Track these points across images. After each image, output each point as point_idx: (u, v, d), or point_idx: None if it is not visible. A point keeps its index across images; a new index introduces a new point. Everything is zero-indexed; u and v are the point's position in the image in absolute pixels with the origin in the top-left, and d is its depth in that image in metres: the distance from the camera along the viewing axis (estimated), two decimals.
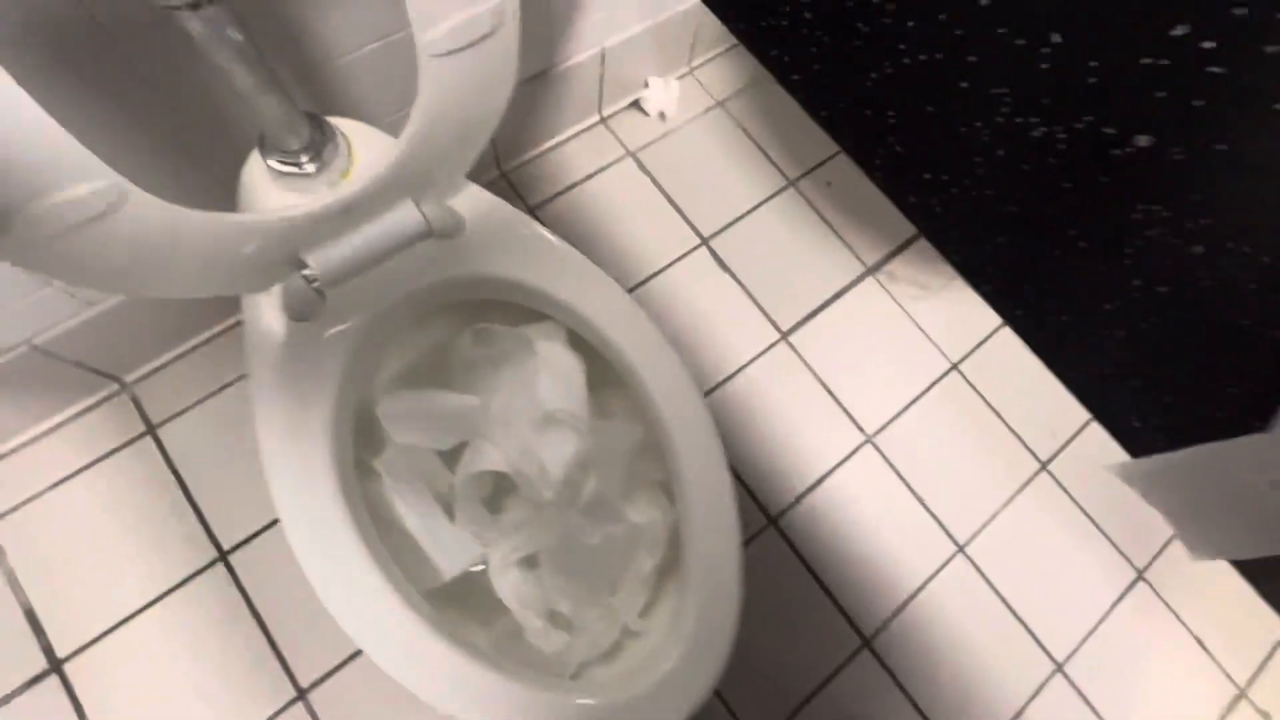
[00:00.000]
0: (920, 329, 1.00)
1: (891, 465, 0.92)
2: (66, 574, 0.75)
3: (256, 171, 0.52)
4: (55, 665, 0.72)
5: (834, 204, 1.06)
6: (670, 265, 0.98)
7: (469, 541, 0.53)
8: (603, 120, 1.04)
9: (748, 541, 0.86)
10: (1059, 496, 0.94)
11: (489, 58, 0.45)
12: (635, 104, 1.06)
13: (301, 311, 0.51)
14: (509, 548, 0.53)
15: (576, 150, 1.02)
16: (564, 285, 0.55)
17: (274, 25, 0.56)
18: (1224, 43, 0.32)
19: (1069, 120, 0.44)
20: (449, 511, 0.55)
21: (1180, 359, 0.47)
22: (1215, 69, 0.33)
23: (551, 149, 1.01)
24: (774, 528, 0.87)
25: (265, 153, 0.51)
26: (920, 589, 0.87)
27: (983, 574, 0.89)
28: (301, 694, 0.74)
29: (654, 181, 1.02)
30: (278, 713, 0.73)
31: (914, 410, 0.96)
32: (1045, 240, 0.51)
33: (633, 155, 1.03)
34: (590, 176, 1.01)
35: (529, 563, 0.54)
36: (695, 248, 0.99)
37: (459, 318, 0.59)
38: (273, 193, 0.51)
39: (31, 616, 0.74)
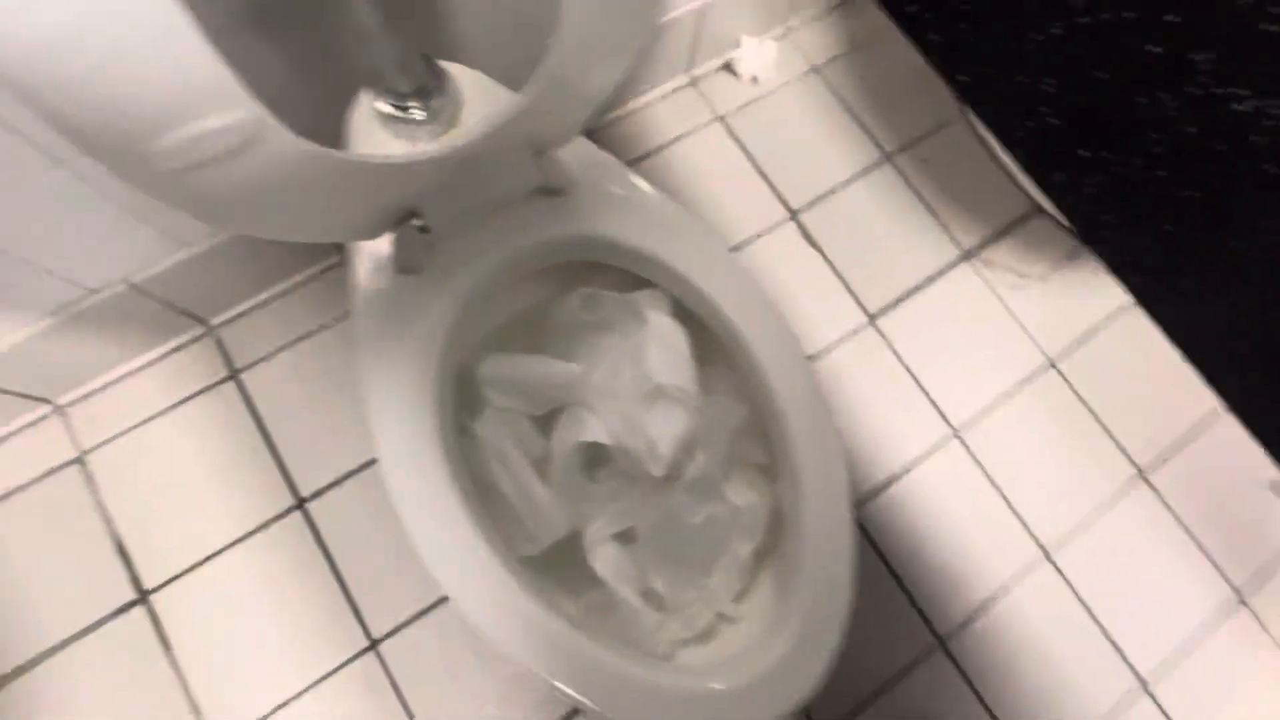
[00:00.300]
0: (1017, 320, 0.94)
1: (978, 462, 0.88)
2: (153, 509, 0.77)
3: (365, 113, 0.50)
4: (142, 596, 0.74)
5: (931, 181, 0.99)
6: (756, 238, 0.94)
7: (565, 511, 0.52)
8: (692, 81, 0.99)
9: None
10: (1158, 508, 0.88)
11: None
12: (727, 65, 1.00)
13: (410, 263, 0.49)
14: (607, 520, 0.51)
15: (663, 112, 0.98)
16: (677, 252, 0.51)
17: None
18: None
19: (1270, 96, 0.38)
20: (545, 478, 0.53)
21: None
22: None
23: (637, 110, 0.97)
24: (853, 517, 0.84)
25: (376, 95, 0.49)
26: (1001, 592, 0.83)
27: (1069, 582, 0.85)
28: (373, 644, 0.75)
29: (743, 149, 0.97)
30: (349, 660, 0.74)
31: (1005, 406, 0.91)
32: (1227, 231, 0.45)
33: (722, 120, 0.98)
34: (676, 140, 0.97)
35: (624, 537, 0.53)
36: (783, 221, 0.95)
37: (559, 281, 0.57)
38: (382, 138, 0.49)
39: (121, 548, 0.76)
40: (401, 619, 0.75)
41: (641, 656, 0.47)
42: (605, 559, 0.50)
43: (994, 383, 0.91)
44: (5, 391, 0.72)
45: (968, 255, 0.96)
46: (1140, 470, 0.90)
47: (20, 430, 0.78)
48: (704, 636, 0.50)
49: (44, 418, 0.79)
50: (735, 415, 0.53)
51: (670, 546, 0.50)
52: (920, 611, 0.82)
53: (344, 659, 0.74)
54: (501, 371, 0.54)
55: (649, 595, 0.51)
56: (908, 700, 0.79)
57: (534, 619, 0.45)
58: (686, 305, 0.53)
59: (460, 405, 0.54)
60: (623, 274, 0.55)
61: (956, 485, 0.87)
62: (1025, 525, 0.86)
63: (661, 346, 0.51)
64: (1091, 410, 0.92)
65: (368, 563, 0.77)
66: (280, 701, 0.72)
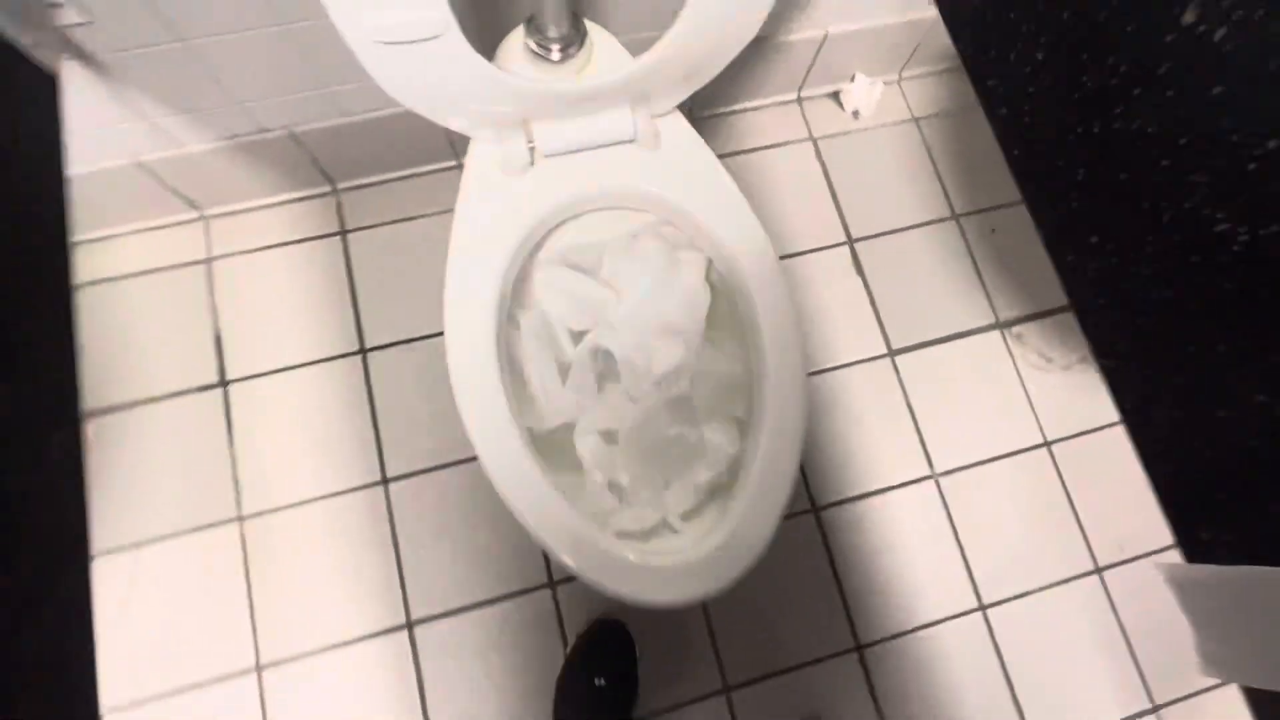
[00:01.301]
0: (1028, 397, 1.00)
1: (946, 507, 0.94)
2: (250, 318, 0.93)
3: (516, 43, 0.62)
4: (223, 382, 0.90)
5: (989, 251, 1.05)
6: (809, 252, 1.02)
7: (570, 403, 0.63)
8: (799, 99, 1.08)
9: (789, 516, 0.92)
10: (1103, 605, 0.93)
11: (744, 5, 0.51)
12: (834, 95, 1.09)
13: (514, 167, 0.61)
14: (597, 416, 0.62)
15: (765, 120, 1.07)
16: (730, 235, 0.62)
17: None
18: None
19: (1256, 224, 0.45)
20: (563, 376, 0.64)
21: (1273, 485, 0.48)
22: None
23: (742, 111, 1.07)
24: (815, 515, 0.92)
25: (528, 32, 0.61)
26: (928, 625, 0.90)
27: (994, 639, 0.90)
28: (385, 480, 0.88)
29: (824, 171, 1.06)
30: (362, 487, 0.88)
31: (990, 468, 0.97)
32: (1186, 334, 0.52)
33: (814, 141, 1.07)
34: (768, 147, 1.06)
35: (609, 437, 0.63)
36: (839, 244, 1.03)
37: (623, 216, 0.68)
38: (522, 66, 0.61)
39: (218, 340, 0.92)
40: (416, 468, 0.89)
41: (607, 533, 0.58)
42: (587, 446, 0.61)
43: (986, 445, 0.98)
44: (173, 189, 0.89)
45: (1001, 325, 1.02)
46: (1098, 566, 0.94)
47: (170, 225, 0.95)
48: (646, 535, 0.61)
49: (191, 221, 0.95)
50: (729, 367, 0.62)
51: (642, 449, 0.61)
52: (849, 614, 0.89)
53: (357, 485, 0.88)
54: (557, 279, 0.65)
55: (613, 486, 0.61)
56: (809, 686, 0.87)
57: (533, 475, 0.56)
58: (719, 271, 0.63)
59: (515, 299, 0.66)
60: (682, 234, 0.66)
61: (920, 521, 0.94)
62: (971, 576, 0.92)
63: (684, 297, 0.62)
64: (1070, 498, 0.97)
65: (399, 413, 0.91)
66: (308, 497, 0.87)
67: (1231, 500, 0.52)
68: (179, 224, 0.95)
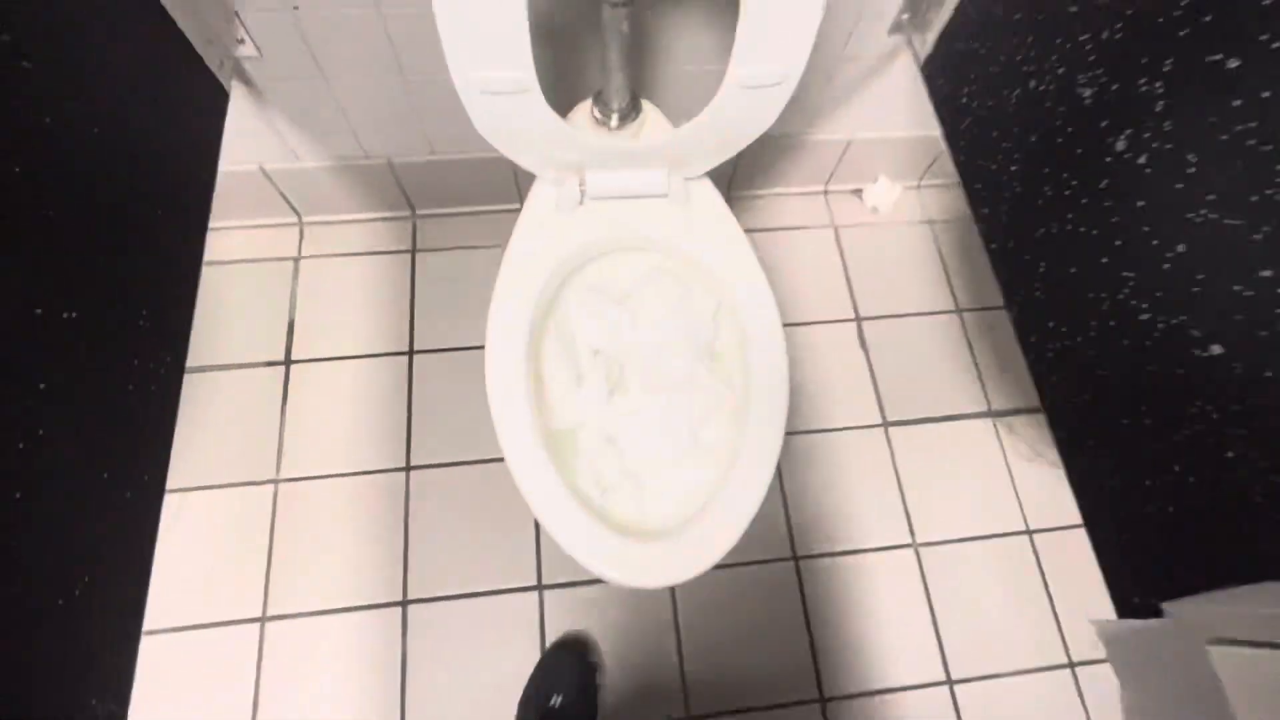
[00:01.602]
0: (1014, 485, 1.05)
1: (924, 577, 0.98)
2: (322, 311, 1.07)
3: (584, 111, 0.76)
4: (288, 361, 1.03)
5: (989, 347, 1.14)
6: (818, 323, 1.12)
7: (581, 407, 0.72)
8: (825, 192, 1.22)
9: (770, 561, 0.97)
10: (1072, 699, 0.93)
11: (766, 100, 0.65)
12: (857, 191, 1.22)
13: (566, 203, 0.74)
14: (601, 422, 0.71)
15: (793, 205, 1.21)
16: (738, 282, 0.73)
17: (644, 35, 0.81)
18: None
19: (1169, 314, 0.54)
20: (578, 385, 0.75)
21: (1187, 547, 0.54)
22: None
23: (774, 195, 1.21)
24: (794, 563, 0.97)
25: (595, 103, 0.76)
26: (894, 691, 0.92)
27: (959, 716, 0.91)
28: (409, 467, 0.98)
29: (841, 255, 1.18)
30: (387, 470, 0.98)
31: (970, 546, 1.00)
32: (1119, 409, 0.59)
33: (835, 228, 1.20)
34: (794, 229, 1.19)
35: (611, 440, 0.72)
36: (847, 319, 1.13)
37: (648, 262, 0.79)
38: (585, 127, 0.75)
39: (291, 325, 1.05)
40: (439, 460, 0.98)
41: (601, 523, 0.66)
42: (588, 450, 0.70)
43: (969, 524, 1.02)
44: (283, 195, 1.05)
45: (994, 414, 1.09)
46: (1071, 661, 0.95)
47: (271, 226, 1.12)
48: (628, 527, 0.68)
49: (290, 224, 1.12)
50: (723, 389, 0.72)
51: (640, 451, 0.70)
52: (817, 666, 0.92)
53: (382, 468, 0.98)
54: (586, 302, 0.76)
55: (604, 481, 0.70)
56: None
57: (545, 469, 0.65)
58: (724, 308, 0.74)
59: (550, 314, 0.78)
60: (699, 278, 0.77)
61: (896, 587, 0.97)
62: (941, 649, 0.95)
63: (691, 328, 0.73)
64: (1049, 590, 0.99)
65: (434, 410, 1.01)
66: (338, 472, 0.97)
67: (1157, 563, 0.57)
68: (280, 225, 1.12)
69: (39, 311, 0.47)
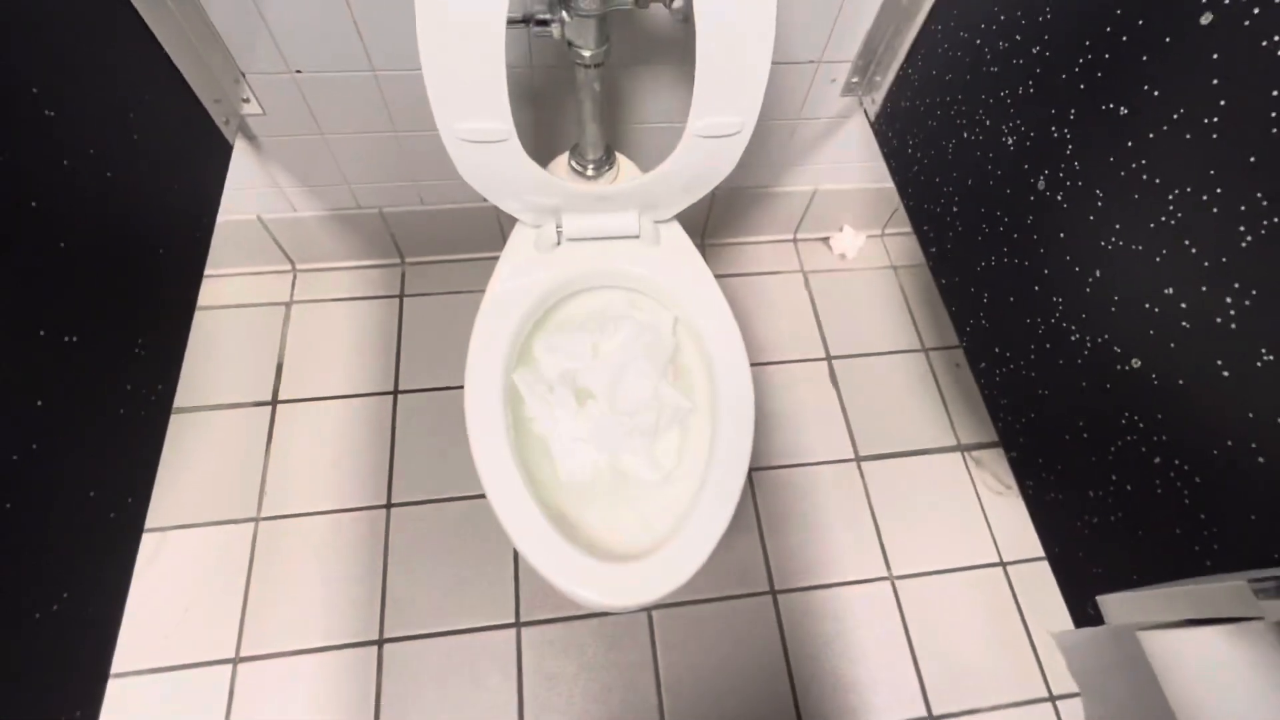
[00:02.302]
0: (985, 518, 1.07)
1: (901, 611, 0.99)
2: (310, 353, 1.10)
3: (562, 162, 0.83)
4: (274, 401, 1.06)
5: (954, 383, 1.18)
6: (790, 362, 1.17)
7: (553, 417, 0.75)
8: (794, 240, 1.29)
9: (748, 595, 0.98)
10: None
11: (724, 148, 0.71)
12: (825, 240, 1.30)
13: (545, 244, 0.79)
14: (574, 431, 0.74)
15: (763, 252, 1.28)
16: (703, 313, 0.78)
17: (615, 92, 0.89)
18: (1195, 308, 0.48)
19: (1095, 333, 0.58)
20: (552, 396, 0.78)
21: (1133, 553, 0.56)
22: (1186, 324, 0.49)
23: (745, 243, 1.28)
24: (772, 597, 0.98)
25: (571, 155, 0.82)
26: None
27: None
28: (389, 505, 0.99)
29: (810, 299, 1.24)
30: (368, 508, 0.99)
31: (945, 579, 1.02)
32: (1060, 425, 0.63)
33: (804, 274, 1.26)
34: (765, 274, 1.25)
35: (581, 443, 0.75)
36: (818, 358, 1.18)
37: (620, 298, 0.84)
38: (562, 173, 0.82)
39: (280, 366, 1.09)
40: (419, 497, 1.00)
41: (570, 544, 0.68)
42: (562, 449, 0.73)
43: (943, 557, 1.03)
44: (279, 244, 1.11)
45: (962, 448, 1.12)
46: (1052, 695, 0.95)
47: (265, 273, 1.16)
48: (592, 548, 0.70)
49: (283, 271, 1.17)
50: (682, 403, 0.75)
51: (607, 454, 0.73)
52: (796, 704, 0.92)
53: (364, 505, 0.99)
54: (552, 343, 0.81)
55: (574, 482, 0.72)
56: None
57: (530, 511, 0.67)
58: (690, 333, 0.79)
59: (521, 357, 0.82)
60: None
61: (874, 621, 0.98)
62: (921, 684, 0.94)
63: (654, 352, 0.77)
64: (1025, 622, 1.00)
65: (414, 451, 1.03)
66: (319, 509, 0.98)
67: (1107, 573, 0.59)
68: (273, 272, 1.16)
69: (42, 333, 0.51)
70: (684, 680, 0.91)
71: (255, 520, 0.97)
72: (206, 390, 1.06)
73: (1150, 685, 0.48)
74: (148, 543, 0.93)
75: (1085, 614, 0.61)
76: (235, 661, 0.88)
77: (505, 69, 0.60)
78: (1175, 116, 0.49)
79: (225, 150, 0.82)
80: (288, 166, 0.96)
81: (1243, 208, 0.45)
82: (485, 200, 0.75)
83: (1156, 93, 0.51)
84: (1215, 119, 0.46)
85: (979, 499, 1.08)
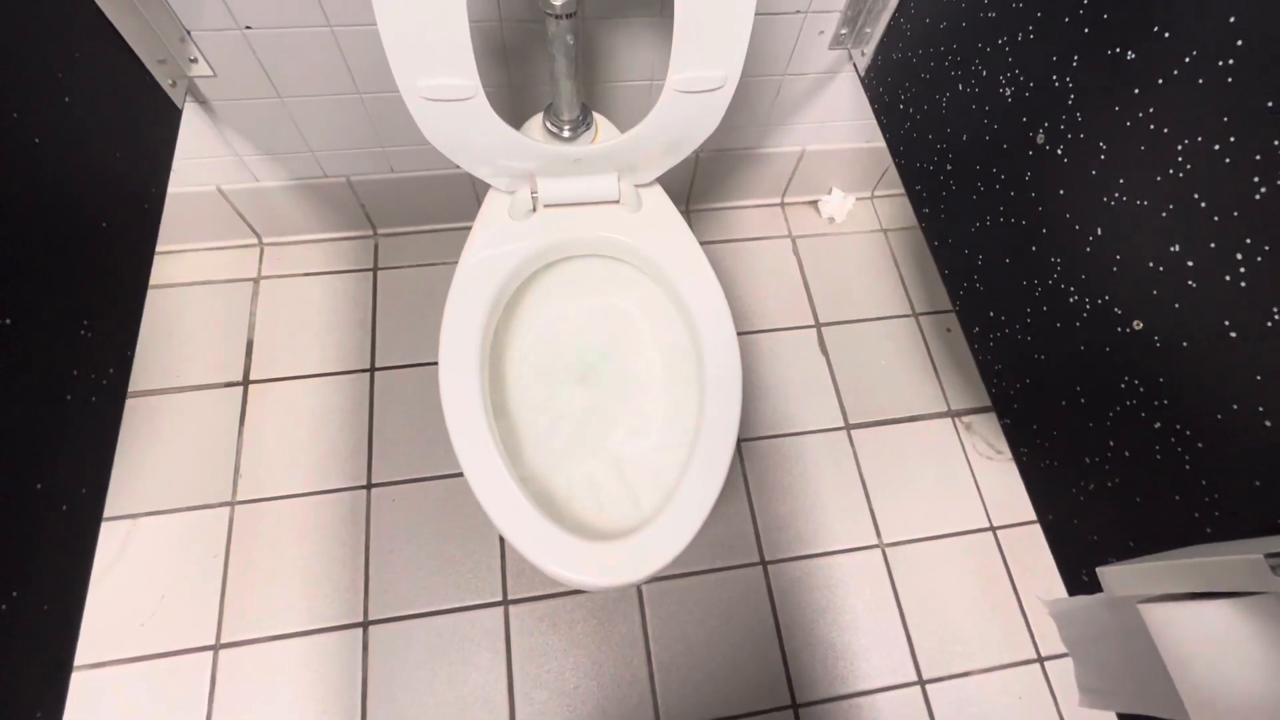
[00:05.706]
0: (976, 483, 1.06)
1: (892, 578, 0.98)
2: (281, 331, 1.06)
3: (536, 124, 0.78)
4: (245, 382, 1.02)
5: (944, 348, 1.16)
6: (779, 330, 1.14)
7: (539, 394, 0.73)
8: (781, 204, 1.25)
9: (738, 567, 0.97)
10: (1044, 696, 0.93)
11: (707, 104, 0.67)
12: (814, 203, 1.26)
13: (519, 211, 0.75)
14: (556, 405, 0.72)
15: (751, 217, 1.24)
16: (687, 279, 0.74)
17: (591, 48, 0.84)
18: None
19: (1094, 295, 0.56)
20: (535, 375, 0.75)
21: (1130, 520, 0.55)
22: (1192, 283, 0.46)
23: (731, 208, 1.24)
24: (763, 568, 0.97)
25: (546, 116, 0.78)
26: (867, 693, 0.91)
27: (932, 716, 0.91)
28: (369, 485, 0.96)
29: (799, 264, 1.21)
30: (347, 489, 0.96)
31: (935, 545, 1.01)
32: (1057, 390, 0.61)
33: (793, 239, 1.23)
34: (753, 239, 1.22)
35: (564, 419, 0.73)
36: (807, 326, 1.15)
37: (602, 267, 0.81)
38: (538, 136, 0.77)
39: (250, 345, 1.04)
40: (400, 476, 0.97)
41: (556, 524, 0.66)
42: (544, 421, 0.71)
43: (934, 523, 1.03)
44: (242, 216, 1.05)
45: (953, 414, 1.11)
46: (1040, 656, 0.96)
47: (231, 247, 1.11)
48: (579, 528, 0.68)
49: (249, 245, 1.12)
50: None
51: (588, 428, 0.70)
52: (788, 672, 0.91)
53: (351, 484, 0.96)
54: (541, 302, 0.78)
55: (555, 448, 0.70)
56: None
57: (505, 481, 0.64)
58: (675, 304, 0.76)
59: (508, 318, 0.78)
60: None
61: (864, 588, 0.98)
62: (912, 649, 0.94)
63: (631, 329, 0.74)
64: (1014, 586, 1.00)
65: (393, 427, 1.00)
66: (297, 491, 0.95)
67: (1102, 539, 0.58)
68: (239, 247, 1.11)
69: None
70: (675, 653, 0.91)
71: (231, 504, 0.94)
72: (174, 372, 1.02)
73: (1146, 654, 0.47)
74: (117, 530, 0.90)
75: (1079, 581, 0.60)
76: (216, 648, 0.86)
77: (468, 19, 0.55)
78: (1187, 60, 0.46)
79: (173, 115, 0.77)
80: (245, 133, 0.90)
81: (1258, 157, 0.42)
82: (458, 166, 0.71)
83: (1167, 34, 0.47)
84: (1230, 61, 0.43)
85: (969, 464, 1.08)
